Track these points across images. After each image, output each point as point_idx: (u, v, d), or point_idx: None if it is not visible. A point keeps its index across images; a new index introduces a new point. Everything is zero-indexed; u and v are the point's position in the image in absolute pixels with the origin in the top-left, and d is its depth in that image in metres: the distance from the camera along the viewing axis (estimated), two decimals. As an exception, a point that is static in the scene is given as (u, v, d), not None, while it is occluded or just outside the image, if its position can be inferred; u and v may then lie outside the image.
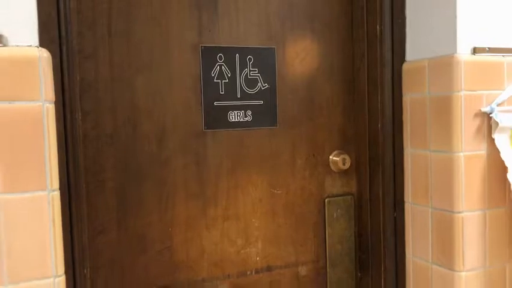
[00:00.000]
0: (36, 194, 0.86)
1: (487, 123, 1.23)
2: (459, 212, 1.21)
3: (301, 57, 1.37)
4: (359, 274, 1.44)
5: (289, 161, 1.36)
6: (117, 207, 1.15)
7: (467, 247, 1.22)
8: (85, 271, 1.05)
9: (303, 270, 1.38)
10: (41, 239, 0.87)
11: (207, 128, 1.26)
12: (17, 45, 0.86)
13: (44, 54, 0.89)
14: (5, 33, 0.85)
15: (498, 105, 1.22)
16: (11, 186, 0.84)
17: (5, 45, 0.85)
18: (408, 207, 1.36)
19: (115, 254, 1.16)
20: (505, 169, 1.22)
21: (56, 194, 0.89)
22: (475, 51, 1.22)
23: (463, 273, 1.22)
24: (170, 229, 1.22)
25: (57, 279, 0.89)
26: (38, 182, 0.86)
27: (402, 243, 1.38)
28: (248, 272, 1.31)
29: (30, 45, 0.88)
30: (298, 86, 1.37)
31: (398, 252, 1.38)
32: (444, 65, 1.22)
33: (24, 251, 0.86)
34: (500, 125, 1.21)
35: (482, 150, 1.23)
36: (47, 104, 0.89)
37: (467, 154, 1.21)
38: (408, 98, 1.34)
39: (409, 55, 1.36)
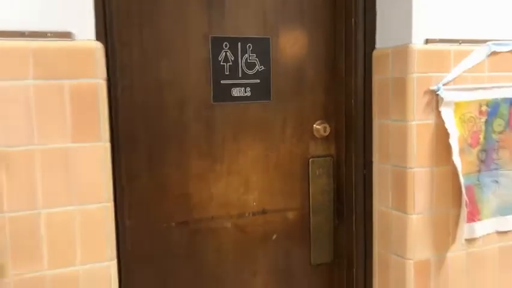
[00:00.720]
0: (95, 144, 1.22)
1: (435, 99, 1.56)
2: (411, 168, 1.55)
3: (291, 45, 1.70)
4: (336, 221, 1.79)
5: (280, 129, 1.70)
6: (147, 160, 1.51)
7: (417, 196, 1.57)
8: (123, 204, 1.41)
9: (290, 215, 1.74)
10: (97, 176, 1.23)
11: (215, 101, 1.60)
12: (81, 39, 1.21)
13: (99, 45, 1.23)
14: (73, 31, 1.19)
15: (444, 84, 1.55)
16: (78, 138, 1.20)
17: (73, 40, 1.20)
18: (375, 166, 1.70)
19: (144, 195, 1.51)
20: (448, 135, 1.55)
21: (108, 145, 1.25)
22: (427, 41, 1.55)
23: (414, 216, 1.57)
24: (186, 179, 1.57)
25: (107, 204, 1.26)
26: (96, 135, 1.21)
27: (370, 195, 1.72)
28: (246, 214, 1.67)
29: (89, 39, 1.22)
30: (289, 69, 1.70)
31: (366, 202, 1.73)
32: (402, 53, 1.55)
33: (87, 183, 1.22)
34: (445, 100, 1.54)
35: (430, 120, 1.56)
36: (101, 81, 1.24)
37: (418, 123, 1.55)
38: (377, 79, 1.67)
39: (378, 43, 1.69)
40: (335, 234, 1.79)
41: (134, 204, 1.50)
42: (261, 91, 1.66)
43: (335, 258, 1.80)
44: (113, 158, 1.33)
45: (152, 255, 1.56)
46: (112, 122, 1.33)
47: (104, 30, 1.31)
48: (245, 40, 1.63)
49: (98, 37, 1.25)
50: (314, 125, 1.74)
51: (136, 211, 1.51)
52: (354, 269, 1.76)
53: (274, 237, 1.72)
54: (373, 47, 1.69)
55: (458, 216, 1.61)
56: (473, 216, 1.62)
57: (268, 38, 1.66)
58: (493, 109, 1.62)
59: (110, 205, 1.26)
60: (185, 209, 1.58)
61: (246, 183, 1.67)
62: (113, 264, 1.31)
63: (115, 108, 1.35)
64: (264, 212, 1.70)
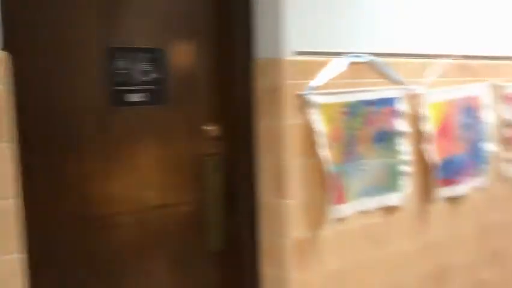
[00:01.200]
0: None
1: (305, 103, 1.85)
2: (287, 161, 1.83)
3: (183, 54, 1.90)
4: (226, 212, 2.01)
5: (175, 130, 1.89)
6: (49, 160, 1.61)
7: (293, 184, 1.85)
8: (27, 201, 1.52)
9: (187, 208, 1.93)
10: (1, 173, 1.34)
11: (113, 105, 1.75)
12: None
13: (3, 55, 1.34)
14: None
15: (312, 90, 1.85)
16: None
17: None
18: (260, 161, 1.96)
19: (47, 192, 1.62)
20: (315, 132, 1.85)
21: (12, 145, 1.36)
22: (297, 53, 1.84)
23: (291, 201, 1.84)
24: (89, 178, 1.70)
25: (12, 201, 1.37)
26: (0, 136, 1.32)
27: (257, 187, 1.97)
28: (146, 209, 1.83)
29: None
30: (182, 76, 1.89)
31: (254, 193, 1.97)
32: (277, 63, 1.82)
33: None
34: (312, 103, 1.83)
35: (301, 120, 1.85)
36: (4, 87, 1.35)
37: (292, 123, 1.83)
38: (258, 85, 1.93)
39: (259, 54, 1.94)
40: (228, 224, 2.01)
41: (37, 202, 1.60)
42: (157, 96, 1.84)
43: (228, 246, 2.02)
44: (18, 158, 1.43)
45: (55, 252, 1.66)
46: (18, 124, 1.43)
47: (6, 40, 1.40)
48: (141, 50, 1.79)
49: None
50: (206, 127, 1.95)
51: (41, 206, 1.60)
52: (244, 255, 2.00)
53: (171, 229, 1.90)
54: (253, 58, 1.94)
55: (327, 200, 1.92)
56: (340, 200, 1.94)
57: (163, 49, 1.84)
58: (352, 110, 1.95)
59: (15, 202, 1.37)
60: (87, 205, 1.71)
61: (145, 180, 1.83)
62: (18, 258, 1.41)
63: (20, 113, 1.45)
64: (162, 206, 1.87)
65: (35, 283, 1.54)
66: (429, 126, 2.21)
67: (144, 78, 1.81)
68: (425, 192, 2.27)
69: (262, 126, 1.93)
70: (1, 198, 1.35)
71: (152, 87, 1.83)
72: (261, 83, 1.91)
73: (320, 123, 1.86)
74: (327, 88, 1.89)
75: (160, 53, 1.84)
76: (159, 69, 1.84)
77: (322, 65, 1.90)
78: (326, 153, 1.86)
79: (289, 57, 1.82)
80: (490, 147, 2.50)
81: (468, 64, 2.43)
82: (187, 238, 1.94)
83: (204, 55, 1.94)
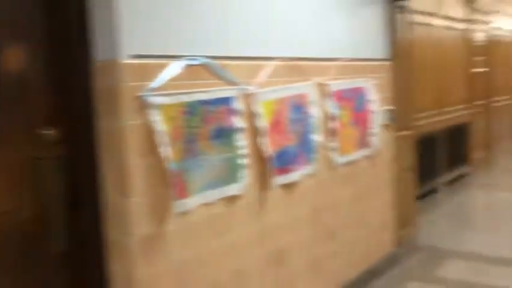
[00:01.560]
0: None
1: (144, 104, 1.92)
2: (128, 160, 1.89)
3: (15, 60, 1.84)
4: (70, 214, 2.00)
5: (9, 134, 1.82)
6: None
7: (137, 182, 1.91)
8: None
9: (26, 213, 1.88)
10: None
11: None
12: None
13: None
14: None
15: (151, 91, 1.93)
16: None
17: None
18: (102, 161, 1.98)
19: None
20: (156, 131, 1.94)
21: None
22: (134, 57, 1.90)
23: (135, 199, 1.91)
24: None
25: None
26: None
27: (101, 186, 1.99)
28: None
29: None
30: (14, 81, 1.83)
31: (97, 192, 1.99)
32: (114, 66, 1.87)
33: None
34: (151, 104, 1.92)
35: (142, 120, 1.92)
36: None
37: (132, 123, 1.89)
38: (98, 87, 1.95)
39: (99, 56, 1.96)
40: (72, 225, 2.00)
41: None
42: (-16, 101, 1.76)
43: (74, 246, 2.01)
44: None
45: None
46: None
47: None
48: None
49: None
50: (44, 130, 1.92)
51: None
52: (91, 254, 2.01)
53: (11, 235, 1.84)
54: (91, 60, 1.95)
55: (171, 196, 2.02)
56: (182, 194, 2.06)
57: (-12, 51, 1.77)
58: (190, 109, 2.08)
59: None
60: None
61: (-25, 189, 1.75)
62: None
63: None
64: (-2, 214, 1.80)
65: None
66: (263, 122, 2.44)
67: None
68: (263, 181, 2.50)
69: (103, 127, 1.95)
70: None
71: (-21, 91, 1.75)
72: (99, 85, 1.94)
73: (159, 123, 1.95)
74: (165, 90, 1.99)
75: (-12, 56, 1.76)
76: (-12, 72, 1.76)
77: (159, 67, 1.99)
78: (166, 151, 1.96)
79: (127, 60, 1.87)
80: (317, 138, 2.84)
81: (296, 65, 2.72)
82: (29, 243, 1.89)
83: (39, 59, 1.91)
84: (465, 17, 6.60)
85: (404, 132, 3.81)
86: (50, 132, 1.92)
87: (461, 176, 6.45)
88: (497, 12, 7.45)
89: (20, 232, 1.88)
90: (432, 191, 5.78)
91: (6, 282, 1.84)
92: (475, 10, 6.72)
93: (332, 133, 3.00)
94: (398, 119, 3.70)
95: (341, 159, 3.08)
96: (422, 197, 5.52)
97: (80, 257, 2.03)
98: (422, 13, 5.30)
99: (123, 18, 1.87)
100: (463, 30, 6.58)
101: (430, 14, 5.61)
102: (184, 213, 2.09)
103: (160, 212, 2.01)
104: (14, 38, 1.85)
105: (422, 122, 5.32)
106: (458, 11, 6.42)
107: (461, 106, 6.52)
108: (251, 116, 2.41)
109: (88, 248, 2.02)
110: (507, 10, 7.65)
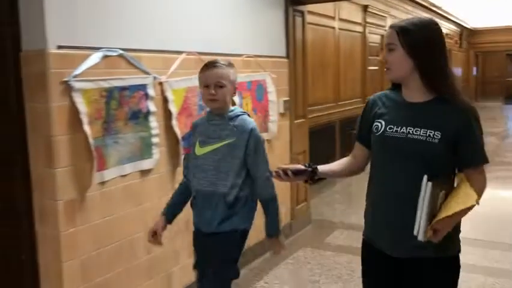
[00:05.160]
0: None
1: (69, 88, 2.25)
2: (55, 136, 2.21)
3: None
4: (1, 184, 2.28)
5: None
6: None
7: (62, 155, 2.24)
8: None
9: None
10: None
11: None
12: None
13: None
14: None
15: (74, 77, 2.26)
16: None
17: None
18: (29, 137, 2.27)
19: None
20: (80, 112, 2.28)
21: None
22: (59, 47, 2.22)
23: (59, 170, 2.24)
24: None
25: None
26: None
27: (27, 160, 2.29)
28: None
29: None
30: None
31: (24, 165, 2.29)
32: (42, 55, 2.18)
33: None
34: (74, 88, 2.25)
35: (67, 102, 2.25)
36: None
37: (58, 104, 2.22)
38: (25, 73, 2.24)
39: (24, 46, 2.25)
40: (1, 191, 2.28)
41: None
42: None
43: (2, 212, 2.30)
44: None
45: None
46: None
47: None
48: None
49: None
50: (-25, 109, 2.19)
51: None
52: (20, 218, 2.31)
53: None
54: (20, 50, 2.24)
55: (91, 168, 2.37)
56: (101, 167, 2.41)
57: None
58: (109, 94, 2.43)
59: None
60: None
61: None
62: None
63: None
64: None
65: None
66: (173, 107, 2.84)
67: None
68: (173, 158, 2.91)
69: (30, 108, 2.26)
70: None
71: None
72: (27, 72, 2.24)
73: (82, 105, 2.28)
74: (87, 76, 2.32)
75: None
76: None
77: (82, 57, 2.32)
78: (88, 129, 2.31)
79: (53, 50, 2.19)
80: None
81: (203, 58, 3.14)
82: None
83: (-30, 45, 2.17)
84: (361, 21, 7.40)
85: (299, 121, 4.38)
86: (-18, 111, 2.19)
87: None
88: (389, 16, 8.38)
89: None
90: (329, 175, 6.48)
91: None
92: (370, 14, 7.54)
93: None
94: (293, 109, 4.26)
95: (242, 141, 3.56)
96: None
97: (11, 219, 2.32)
98: (322, 16, 5.95)
99: (50, 12, 2.19)
100: (359, 32, 7.37)
101: (329, 17, 6.29)
102: (103, 183, 2.45)
103: (82, 181, 2.35)
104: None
105: (319, 113, 6.00)
106: (356, 15, 7.19)
107: (356, 100, 7.32)
108: (164, 101, 2.80)
109: (18, 211, 2.32)
110: (397, 15, 8.62)
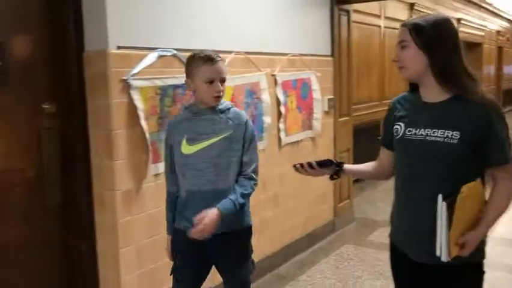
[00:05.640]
0: None
1: (127, 85, 2.41)
2: (114, 130, 2.37)
3: (23, 45, 2.30)
4: (63, 174, 2.47)
5: (17, 108, 2.27)
6: None
7: (120, 148, 2.40)
8: None
9: (30, 172, 2.34)
10: None
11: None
12: None
13: None
14: None
15: (132, 75, 2.42)
16: None
17: None
18: (90, 133, 2.45)
19: None
20: (137, 108, 2.43)
21: None
22: (118, 47, 2.38)
23: (118, 162, 2.40)
24: None
25: None
26: None
27: (88, 152, 2.47)
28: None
29: None
30: (22, 63, 2.28)
31: (85, 157, 2.47)
32: (103, 55, 2.34)
33: None
34: (132, 86, 2.41)
35: (125, 99, 2.41)
36: None
37: (117, 101, 2.38)
38: (88, 72, 2.42)
39: (87, 46, 2.43)
40: (64, 183, 2.47)
41: None
42: (0, 80, 2.20)
43: (65, 201, 2.48)
44: None
45: None
46: None
47: None
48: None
49: None
50: (43, 105, 2.37)
51: None
52: (80, 207, 2.49)
53: (17, 190, 2.30)
54: (83, 49, 2.42)
55: (147, 160, 2.52)
56: (156, 159, 2.56)
57: (2, 41, 2.20)
58: (163, 91, 2.58)
59: None
60: None
61: (-9, 150, 2.20)
62: None
63: None
64: (8, 171, 2.25)
65: None
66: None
67: (-9, 64, 2.16)
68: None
69: (92, 104, 2.43)
70: None
71: (-5, 72, 2.19)
72: (90, 70, 2.41)
73: (139, 101, 2.44)
74: (144, 75, 2.48)
75: (2, 45, 2.20)
76: (1, 58, 2.20)
77: (139, 57, 2.47)
78: (144, 124, 2.46)
79: (114, 50, 2.35)
80: (267, 120, 3.39)
81: (250, 58, 3.25)
82: (30, 197, 2.35)
83: (41, 46, 2.37)
84: (407, 18, 7.32)
85: (343, 119, 4.43)
86: (49, 107, 2.38)
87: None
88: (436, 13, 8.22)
89: (24, 188, 2.33)
90: (373, 174, 6.48)
91: (12, 227, 2.30)
92: (416, 12, 7.44)
93: (279, 116, 3.56)
94: (338, 107, 4.31)
95: (287, 138, 3.65)
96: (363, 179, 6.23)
97: (72, 209, 2.50)
98: (367, 14, 5.94)
99: (111, 15, 2.35)
100: (405, 30, 7.28)
101: (375, 16, 6.27)
102: (157, 175, 2.60)
103: (138, 173, 2.51)
104: (22, 29, 2.30)
105: (364, 112, 6.00)
106: (402, 13, 7.12)
107: (401, 98, 7.24)
108: (212, 99, 2.93)
109: (78, 202, 2.50)
110: (445, 12, 8.45)
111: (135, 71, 2.43)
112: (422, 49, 1.61)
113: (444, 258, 1.54)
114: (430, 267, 1.67)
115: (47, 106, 2.37)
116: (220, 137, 2.02)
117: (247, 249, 2.17)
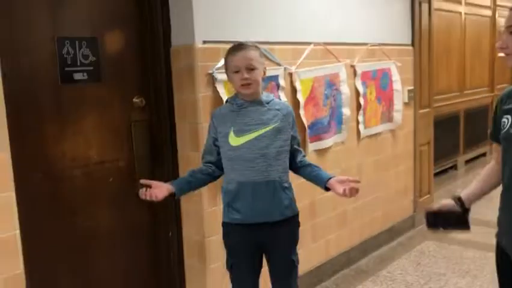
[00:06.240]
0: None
1: (212, 79, 2.46)
2: (201, 123, 2.44)
3: (114, 41, 2.41)
4: (153, 165, 2.57)
5: (110, 101, 2.40)
6: (17, 126, 2.05)
7: (204, 140, 2.46)
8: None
9: (121, 163, 2.46)
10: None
11: (62, 84, 2.21)
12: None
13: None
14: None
15: (217, 69, 2.47)
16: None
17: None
18: (177, 125, 2.54)
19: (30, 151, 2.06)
20: (221, 101, 2.48)
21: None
22: (204, 42, 2.43)
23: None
24: (46, 140, 2.16)
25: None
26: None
27: (175, 144, 2.56)
28: (90, 164, 2.33)
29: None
30: (113, 58, 2.40)
31: (173, 149, 2.56)
32: (190, 50, 2.41)
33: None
34: (217, 79, 2.46)
35: (210, 92, 2.46)
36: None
37: (203, 94, 2.44)
38: (175, 66, 2.50)
39: (174, 42, 2.51)
40: (153, 173, 2.57)
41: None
42: (95, 75, 2.33)
43: (154, 191, 2.58)
44: None
45: (28, 193, 2.11)
46: None
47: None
48: (80, 38, 2.26)
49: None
50: (134, 99, 2.48)
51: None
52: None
53: (111, 179, 2.43)
54: (170, 45, 2.50)
55: (230, 152, 2.56)
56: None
57: (96, 37, 2.32)
58: (246, 84, 2.60)
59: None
60: (47, 162, 2.18)
61: (87, 142, 2.33)
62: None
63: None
64: (102, 162, 2.38)
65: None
66: (301, 97, 2.95)
67: (85, 61, 2.29)
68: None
69: (179, 98, 2.51)
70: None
71: (91, 68, 2.32)
72: (177, 65, 2.49)
73: (224, 95, 2.48)
74: (227, 68, 2.52)
75: (95, 40, 2.32)
76: (95, 53, 2.32)
77: (223, 50, 2.50)
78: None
79: (200, 45, 2.41)
80: (346, 111, 3.34)
81: (329, 49, 3.21)
82: (122, 186, 2.48)
83: (130, 43, 2.47)
84: (491, 4, 6.90)
85: (424, 110, 4.26)
86: (139, 101, 2.48)
87: (480, 155, 6.84)
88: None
89: (118, 177, 2.46)
90: (453, 167, 6.22)
91: (106, 213, 2.44)
92: (500, -4, 7.01)
93: (359, 108, 3.49)
94: (418, 98, 4.16)
95: (366, 130, 3.57)
96: (443, 172, 5.98)
97: (162, 201, 2.59)
98: (448, 1, 5.67)
99: (196, 11, 2.41)
100: (487, 16, 6.89)
101: (456, 2, 5.97)
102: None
103: (222, 164, 2.56)
104: (113, 26, 2.42)
105: (443, 103, 5.75)
106: (483, -1, 6.74)
107: (483, 89, 6.87)
108: (292, 91, 2.92)
109: (165, 192, 2.59)
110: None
111: (220, 64, 2.48)
112: None
113: None
114: None
115: (137, 100, 2.48)
116: (270, 127, 2.04)
117: (297, 235, 2.19)
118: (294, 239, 2.18)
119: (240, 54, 2.01)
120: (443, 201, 1.76)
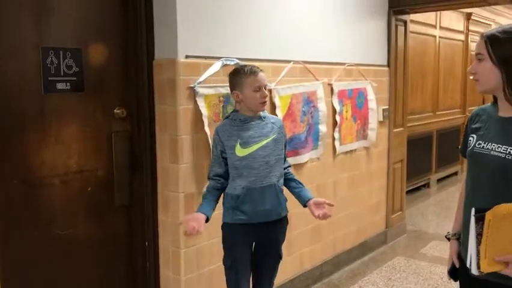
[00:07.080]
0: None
1: (193, 93, 2.52)
2: (180, 135, 2.49)
3: (97, 53, 2.45)
4: (131, 176, 2.60)
5: (92, 112, 2.43)
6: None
7: (184, 152, 2.51)
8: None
9: (100, 172, 2.48)
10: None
11: (45, 93, 2.24)
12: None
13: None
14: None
15: (198, 83, 2.53)
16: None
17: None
18: (157, 136, 2.58)
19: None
20: (201, 115, 2.54)
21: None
22: (186, 56, 2.50)
23: (182, 165, 2.51)
24: (26, 148, 2.17)
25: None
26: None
27: (155, 155, 2.60)
28: (69, 173, 2.35)
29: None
30: (97, 70, 2.44)
31: (152, 160, 2.60)
32: (172, 63, 2.47)
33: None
34: (198, 93, 2.52)
35: (191, 105, 2.52)
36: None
37: (184, 107, 2.49)
38: (157, 79, 2.55)
39: (157, 55, 2.56)
40: (131, 184, 2.61)
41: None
42: (77, 86, 2.36)
43: (132, 200, 2.62)
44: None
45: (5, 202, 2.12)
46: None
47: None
48: (65, 49, 2.30)
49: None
50: (115, 110, 2.52)
51: None
52: (146, 207, 2.62)
53: (89, 189, 2.45)
54: (153, 58, 2.56)
55: (208, 164, 2.62)
56: (217, 164, 2.65)
57: (81, 48, 2.37)
58: (226, 99, 2.67)
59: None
60: (26, 170, 2.19)
61: (68, 151, 2.35)
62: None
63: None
64: (81, 171, 2.41)
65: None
66: (280, 112, 3.03)
67: (68, 71, 2.33)
68: (278, 160, 3.09)
69: (160, 110, 2.56)
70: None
71: (74, 78, 2.35)
72: (159, 78, 2.54)
73: (204, 108, 2.54)
74: (209, 83, 2.58)
75: (79, 51, 2.37)
76: (79, 64, 2.36)
77: (204, 66, 2.58)
78: (208, 130, 2.56)
79: (182, 59, 2.48)
80: (323, 128, 3.43)
81: (307, 67, 3.31)
82: (100, 196, 2.50)
83: (114, 55, 2.52)
84: (464, 29, 7.17)
85: (398, 129, 4.40)
86: (121, 111, 2.52)
87: (452, 174, 7.03)
88: (495, 23, 8.01)
89: (96, 186, 2.48)
90: (425, 185, 6.38)
91: (84, 222, 2.45)
92: (473, 22, 7.28)
93: (335, 125, 3.59)
94: (392, 118, 4.29)
95: (341, 147, 3.67)
96: (415, 190, 6.13)
97: (137, 209, 2.64)
98: (423, 24, 5.88)
99: (180, 26, 2.47)
100: (460, 40, 7.15)
101: (430, 25, 6.19)
102: (218, 180, 2.69)
103: (200, 177, 2.61)
104: (98, 38, 2.46)
105: (417, 123, 5.92)
106: (458, 23, 6.99)
107: (455, 110, 7.09)
108: (271, 106, 3.00)
109: (144, 202, 2.63)
110: (502, 22, 8.20)
111: (201, 79, 2.55)
112: (496, 63, 1.53)
113: (473, 271, 1.49)
114: (486, 282, 1.56)
115: (118, 111, 2.52)
116: (270, 138, 2.31)
117: (286, 232, 2.47)
118: (284, 236, 2.46)
119: (261, 75, 2.29)
120: (451, 251, 1.80)
